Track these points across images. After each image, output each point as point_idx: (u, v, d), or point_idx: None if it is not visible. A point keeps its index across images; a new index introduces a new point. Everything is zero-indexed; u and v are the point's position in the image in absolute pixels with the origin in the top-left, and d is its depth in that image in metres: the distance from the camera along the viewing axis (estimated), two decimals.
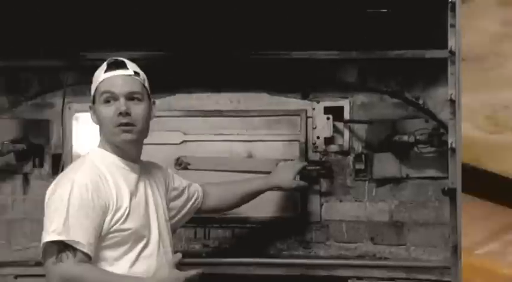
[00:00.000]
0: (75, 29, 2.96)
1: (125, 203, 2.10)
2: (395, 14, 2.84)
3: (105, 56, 2.79)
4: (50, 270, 1.99)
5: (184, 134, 3.10)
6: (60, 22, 2.93)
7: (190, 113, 3.12)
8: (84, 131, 3.12)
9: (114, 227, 2.08)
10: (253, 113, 3.11)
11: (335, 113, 3.06)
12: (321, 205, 3.07)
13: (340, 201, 3.08)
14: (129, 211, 2.10)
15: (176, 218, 2.44)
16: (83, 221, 1.99)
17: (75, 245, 1.96)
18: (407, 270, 2.84)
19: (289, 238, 3.09)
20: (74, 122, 3.17)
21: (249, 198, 2.71)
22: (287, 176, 2.76)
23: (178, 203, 2.45)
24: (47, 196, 2.08)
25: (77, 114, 3.16)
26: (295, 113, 3.08)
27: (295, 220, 3.06)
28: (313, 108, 3.07)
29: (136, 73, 2.17)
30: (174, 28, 2.92)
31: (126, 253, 2.11)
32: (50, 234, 1.97)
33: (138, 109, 2.14)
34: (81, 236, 1.97)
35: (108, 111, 2.12)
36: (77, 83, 3.13)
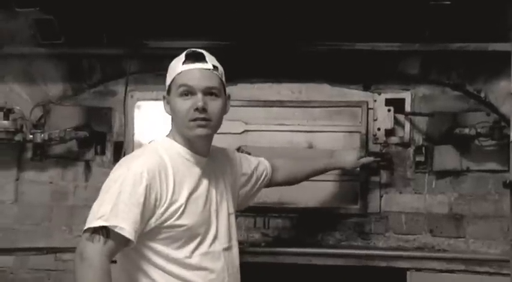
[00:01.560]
0: (138, 17, 3.16)
1: (182, 197, 2.18)
2: (458, 6, 2.99)
3: (167, 44, 3.17)
4: (82, 244, 2.05)
5: (246, 123, 3.33)
6: (123, 10, 3.13)
7: (251, 103, 3.32)
8: (145, 119, 3.34)
9: (169, 222, 2.16)
10: (314, 103, 3.31)
11: (396, 105, 3.26)
12: (381, 197, 3.30)
13: (400, 193, 3.29)
14: (185, 207, 2.18)
15: (246, 199, 2.63)
16: (131, 208, 2.07)
17: (120, 231, 2.05)
18: (466, 263, 3.09)
19: (349, 229, 3.32)
20: (136, 110, 3.37)
21: (313, 175, 2.92)
22: (351, 156, 2.98)
23: (248, 187, 2.61)
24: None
25: (139, 103, 3.37)
26: (357, 104, 3.29)
27: (354, 211, 3.29)
28: (375, 100, 3.29)
29: (215, 67, 2.26)
30: (237, 18, 3.11)
31: (179, 248, 2.20)
32: (97, 220, 2.05)
33: (214, 105, 2.23)
34: (128, 223, 2.06)
35: (185, 105, 2.20)
36: (139, 71, 3.36)
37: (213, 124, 2.24)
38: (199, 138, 2.24)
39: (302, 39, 3.18)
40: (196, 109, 2.19)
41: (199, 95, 2.20)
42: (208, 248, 2.26)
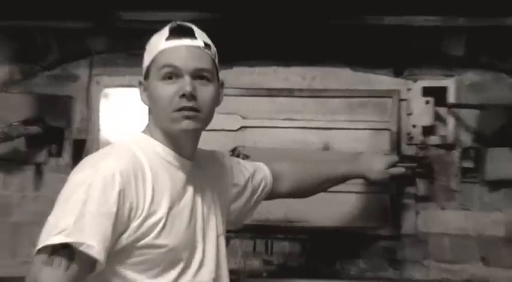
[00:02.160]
0: None
1: (162, 209, 2.06)
2: None
3: (144, 16, 2.99)
4: (36, 269, 1.89)
5: (243, 118, 3.17)
6: None
7: (250, 91, 3.17)
8: (115, 111, 3.18)
9: (144, 241, 2.02)
10: (331, 93, 3.15)
11: (437, 95, 3.10)
12: (417, 213, 3.12)
13: (442, 208, 3.12)
14: (165, 221, 2.06)
15: (240, 216, 2.49)
16: (101, 220, 1.94)
17: (87, 250, 1.90)
18: None
19: (376, 255, 3.14)
20: (103, 100, 3.22)
21: (329, 185, 2.76)
22: (378, 164, 2.77)
23: (241, 202, 2.46)
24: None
25: (107, 90, 3.22)
26: (386, 94, 3.13)
27: (383, 232, 3.12)
28: (409, 89, 3.13)
29: (206, 45, 2.14)
30: None
31: (156, 277, 2.06)
32: (56, 236, 1.90)
33: (205, 91, 2.11)
34: (97, 240, 1.92)
35: (168, 90, 2.09)
36: (108, 50, 3.21)
37: (202, 116, 2.11)
38: (185, 133, 2.12)
39: (316, 10, 3.02)
40: (183, 95, 2.06)
41: (187, 78, 2.08)
42: (194, 278, 2.13)
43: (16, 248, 3.21)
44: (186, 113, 2.08)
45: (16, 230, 3.23)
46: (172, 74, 2.09)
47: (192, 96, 2.07)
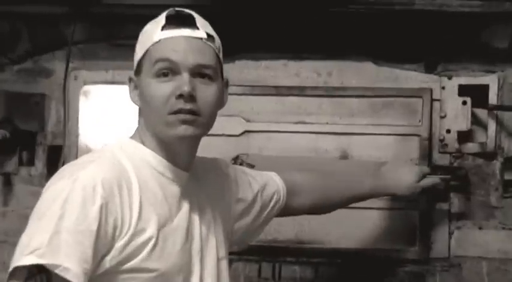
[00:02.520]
0: None
1: (152, 227, 1.99)
2: None
3: (129, 0, 2.89)
4: None
5: (247, 121, 3.08)
6: None
7: (256, 89, 3.08)
8: (97, 112, 3.11)
9: (131, 264, 1.95)
10: (351, 91, 3.05)
11: (476, 94, 2.98)
12: (451, 233, 3.01)
13: (480, 228, 3.00)
14: (156, 242, 1.98)
15: (247, 235, 2.44)
16: (79, 239, 1.86)
17: (63, 274, 1.81)
18: None
19: (402, 281, 3.03)
20: (82, 99, 3.14)
21: (351, 202, 2.73)
22: (405, 178, 2.72)
23: (248, 219, 2.40)
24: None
25: (87, 87, 3.13)
26: (415, 93, 3.02)
27: (411, 255, 3.00)
28: (443, 87, 3.01)
29: (209, 36, 2.05)
30: None
31: None
32: (27, 256, 1.82)
33: (207, 92, 2.03)
34: (74, 262, 1.83)
35: (163, 89, 2.01)
36: (88, 39, 3.13)
37: (203, 121, 2.04)
38: (181, 140, 2.04)
39: None
40: (180, 96, 1.99)
41: (185, 76, 2.00)
42: None
43: None
44: (183, 116, 2.00)
45: None
46: (168, 71, 2.02)
47: (190, 97, 2.00)
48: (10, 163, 3.16)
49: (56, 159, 3.04)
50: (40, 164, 3.16)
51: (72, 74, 3.09)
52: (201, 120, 2.03)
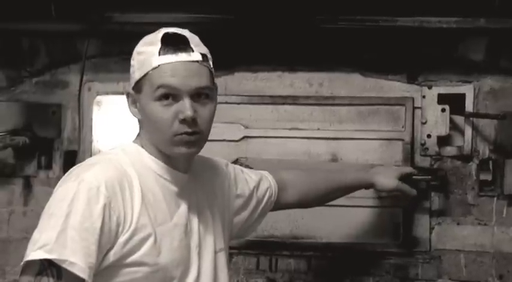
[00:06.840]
0: None
1: (152, 224, 2.06)
2: None
3: (138, 18, 2.99)
4: None
5: (246, 127, 3.16)
6: None
7: (253, 99, 3.16)
8: (108, 120, 3.19)
9: (132, 259, 2.02)
10: (340, 100, 3.14)
11: (454, 102, 3.08)
12: (431, 229, 3.11)
13: (458, 223, 3.11)
14: (155, 237, 2.05)
15: (244, 229, 2.51)
16: (84, 235, 1.93)
17: (70, 268, 1.90)
18: None
19: (387, 273, 3.14)
20: (95, 108, 3.22)
21: (338, 194, 2.79)
22: (388, 174, 2.82)
23: (245, 214, 2.46)
24: None
25: (99, 97, 3.21)
26: (398, 101, 3.11)
27: (395, 248, 3.11)
28: (423, 96, 3.10)
29: (203, 56, 2.08)
30: None
31: None
32: (37, 251, 1.90)
33: (206, 111, 2.09)
34: (80, 257, 1.91)
35: (166, 113, 2.05)
36: (100, 54, 3.20)
37: (204, 137, 2.12)
38: (184, 157, 2.13)
39: (324, 11, 3.00)
40: (183, 120, 2.04)
41: (187, 101, 2.04)
42: None
43: (4, 267, 3.24)
44: (187, 138, 2.06)
45: (4, 248, 3.24)
46: (169, 95, 2.06)
47: (193, 121, 2.05)
48: (30, 167, 3.25)
49: (71, 163, 2.98)
50: (57, 168, 3.26)
51: (86, 86, 3.18)
52: (202, 137, 2.11)
